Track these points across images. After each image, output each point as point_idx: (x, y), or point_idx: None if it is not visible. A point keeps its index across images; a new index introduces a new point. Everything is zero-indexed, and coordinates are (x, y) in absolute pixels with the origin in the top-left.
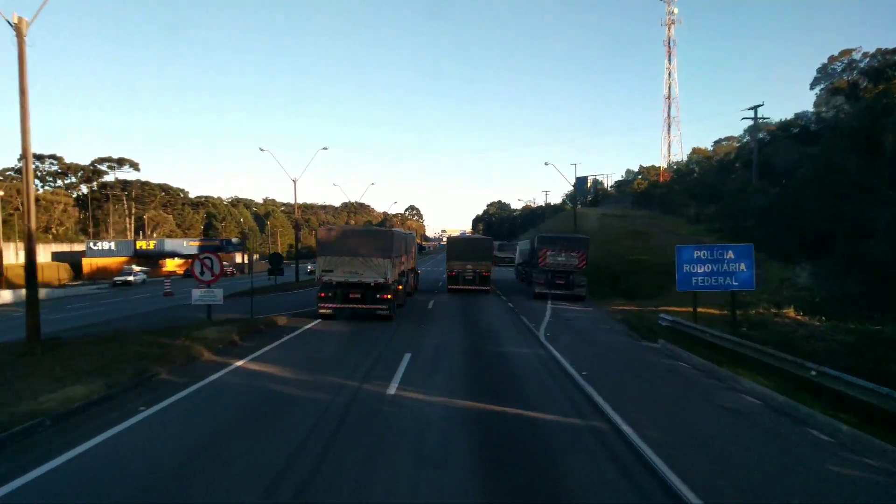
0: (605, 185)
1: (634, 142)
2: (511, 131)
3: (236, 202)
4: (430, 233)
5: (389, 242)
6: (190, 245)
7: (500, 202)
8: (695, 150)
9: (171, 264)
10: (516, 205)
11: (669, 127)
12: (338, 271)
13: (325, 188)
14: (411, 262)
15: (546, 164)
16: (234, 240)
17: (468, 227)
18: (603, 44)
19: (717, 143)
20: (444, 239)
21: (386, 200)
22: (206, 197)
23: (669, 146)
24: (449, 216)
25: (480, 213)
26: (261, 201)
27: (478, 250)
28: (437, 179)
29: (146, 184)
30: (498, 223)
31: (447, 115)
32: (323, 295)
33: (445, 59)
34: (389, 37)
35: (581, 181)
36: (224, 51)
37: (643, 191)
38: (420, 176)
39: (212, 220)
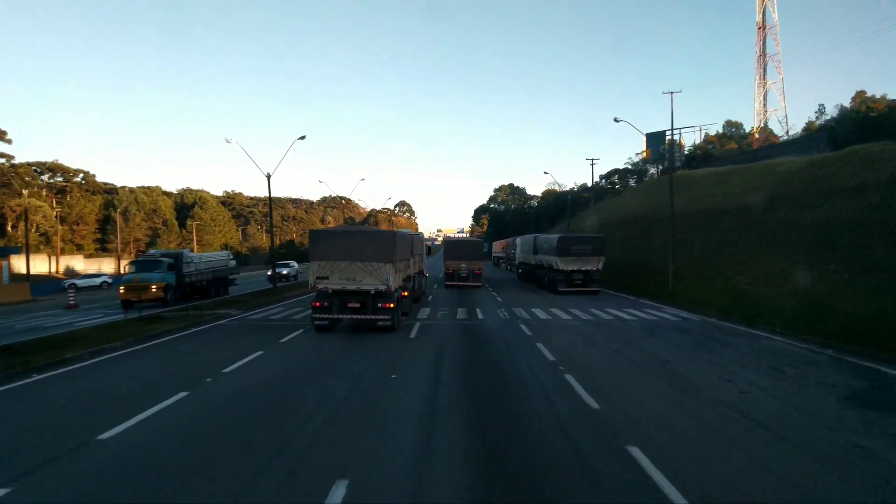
0: (693, 144)
1: (691, 98)
2: (514, 114)
3: (187, 192)
4: (423, 232)
5: (392, 245)
6: None
7: (511, 186)
8: None
9: None
10: (532, 190)
11: (765, 69)
12: (334, 278)
13: (302, 182)
14: (419, 264)
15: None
16: None
17: (466, 225)
18: None
19: None
20: (440, 239)
21: (373, 195)
22: (150, 187)
23: (765, 96)
24: (445, 213)
25: (486, 200)
26: (220, 194)
27: (472, 251)
28: (432, 172)
29: (4, 157)
30: (512, 215)
31: (442, 94)
32: (318, 304)
33: (441, 24)
34: (380, 24)
35: (654, 138)
36: (220, 48)
37: (874, 119)
38: (413, 165)
39: (116, 209)
